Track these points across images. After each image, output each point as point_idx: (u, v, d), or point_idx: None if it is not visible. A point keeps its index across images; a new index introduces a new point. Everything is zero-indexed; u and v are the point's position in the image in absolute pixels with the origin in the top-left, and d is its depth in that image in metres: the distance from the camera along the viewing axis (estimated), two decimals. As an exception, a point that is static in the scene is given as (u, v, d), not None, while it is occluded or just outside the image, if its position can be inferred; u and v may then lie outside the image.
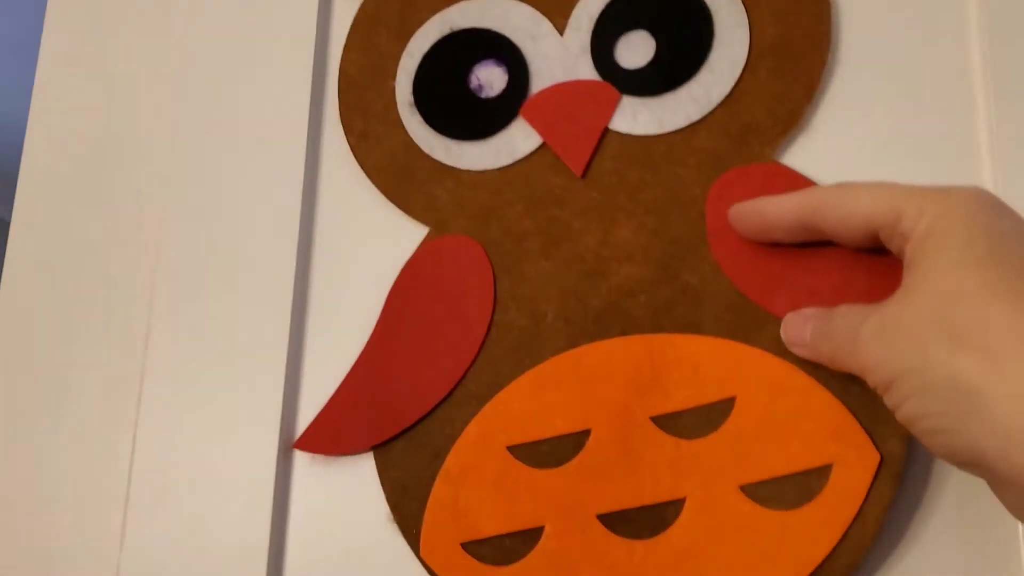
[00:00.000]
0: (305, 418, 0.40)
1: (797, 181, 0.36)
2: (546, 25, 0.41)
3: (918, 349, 0.27)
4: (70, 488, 0.41)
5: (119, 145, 0.46)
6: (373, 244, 0.41)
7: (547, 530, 0.36)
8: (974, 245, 0.27)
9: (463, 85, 0.41)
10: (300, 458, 0.40)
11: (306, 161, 0.42)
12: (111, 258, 0.44)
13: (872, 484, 0.33)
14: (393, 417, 0.38)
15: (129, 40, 0.47)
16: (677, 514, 0.35)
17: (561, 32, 0.41)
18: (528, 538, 0.36)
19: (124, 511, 0.40)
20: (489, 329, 0.38)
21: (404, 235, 0.41)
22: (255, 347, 0.40)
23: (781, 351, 0.35)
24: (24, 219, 0.46)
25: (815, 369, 0.34)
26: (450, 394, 0.38)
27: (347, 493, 0.39)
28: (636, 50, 0.40)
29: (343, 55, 0.43)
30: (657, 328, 0.37)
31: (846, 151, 0.37)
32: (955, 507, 0.34)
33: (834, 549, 0.33)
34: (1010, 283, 0.26)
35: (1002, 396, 0.25)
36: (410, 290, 0.40)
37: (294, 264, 0.41)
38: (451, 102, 0.41)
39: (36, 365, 0.43)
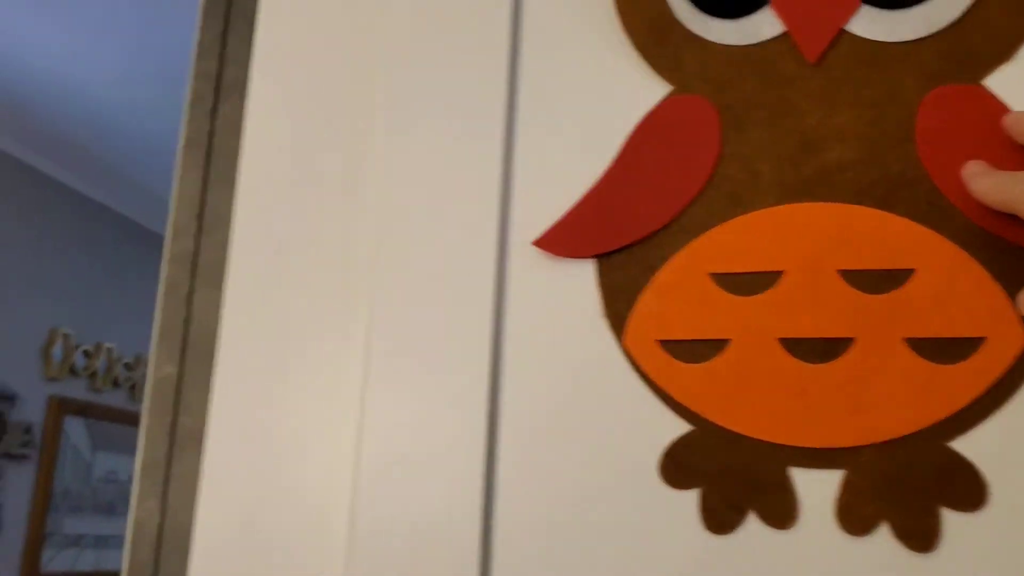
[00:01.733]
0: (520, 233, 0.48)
1: (995, 106, 0.43)
2: (806, -69, 0.47)
3: None
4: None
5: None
6: (615, 92, 0.49)
7: (732, 342, 0.44)
8: None
9: (724, -30, 0.48)
10: (522, 258, 0.48)
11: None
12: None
13: (1013, 362, 0.40)
14: (618, 234, 0.46)
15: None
16: (846, 350, 0.42)
17: (818, -61, 0.47)
18: (715, 346, 0.44)
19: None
20: (711, 178, 0.46)
21: (649, 88, 0.48)
22: (475, 176, 0.48)
23: (963, 243, 0.42)
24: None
25: (987, 262, 0.41)
26: (668, 224, 0.46)
27: (564, 291, 0.47)
28: (882, -33, 0.46)
29: (622, -75, 0.50)
30: (857, 201, 0.44)
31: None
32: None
33: (970, 404, 0.41)
34: None
35: None
36: (650, 134, 0.47)
37: (505, 107, 0.48)
38: (711, -18, 0.48)
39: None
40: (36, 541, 2.47)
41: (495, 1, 0.51)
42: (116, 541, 2.85)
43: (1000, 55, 0.44)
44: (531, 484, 0.45)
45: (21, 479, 2.45)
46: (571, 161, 0.48)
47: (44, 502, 2.51)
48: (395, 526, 0.45)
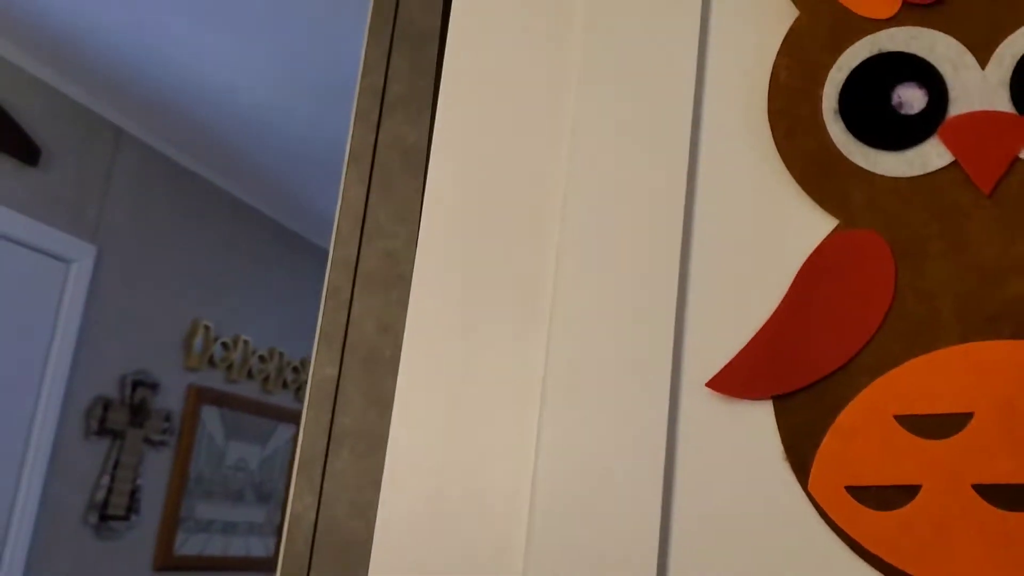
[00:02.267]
0: (692, 366, 0.48)
1: None
2: (969, 58, 0.47)
3: None
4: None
5: (526, 145, 0.55)
6: (775, 230, 0.49)
7: (924, 488, 0.43)
8: None
9: (886, 101, 0.48)
10: (694, 399, 0.48)
11: (689, 156, 0.50)
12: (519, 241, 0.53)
13: None
14: (796, 374, 0.46)
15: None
16: (1048, 496, 0.41)
17: (983, 66, 0.46)
18: (906, 493, 0.43)
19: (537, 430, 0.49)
20: (887, 315, 0.45)
21: (813, 224, 0.48)
22: (649, 308, 0.49)
23: None
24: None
25: None
26: (847, 364, 0.45)
27: (741, 433, 0.47)
28: (1055, 91, 0.45)
29: (776, 60, 0.50)
30: (1047, 337, 0.43)
31: None
32: None
33: None
34: None
35: None
36: (819, 271, 0.47)
37: (680, 241, 0.49)
38: (873, 115, 0.48)
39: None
40: (171, 524, 2.58)
41: (674, 139, 0.51)
42: (243, 528, 2.93)
43: None
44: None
45: (159, 464, 2.57)
46: (741, 300, 0.48)
47: (180, 487, 2.62)
48: (570, 547, 0.46)
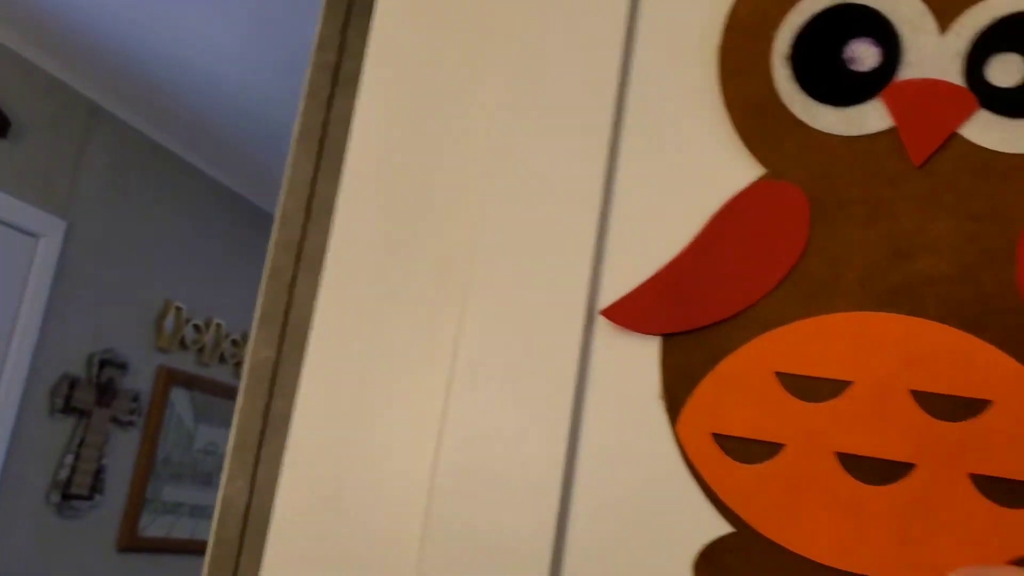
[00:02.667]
0: (606, 300, 0.47)
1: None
2: (931, 22, 0.45)
3: None
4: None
5: (449, 93, 0.53)
6: (702, 168, 0.47)
7: (787, 447, 0.42)
8: None
9: (837, 53, 0.46)
10: (600, 329, 0.47)
11: (618, 83, 0.48)
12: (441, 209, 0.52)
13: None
14: (688, 315, 0.45)
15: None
16: (905, 475, 0.40)
17: (942, 31, 0.44)
18: (769, 449, 0.43)
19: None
20: (791, 272, 0.44)
21: (740, 168, 0.46)
22: (566, 237, 0.48)
23: (1049, 376, 0.39)
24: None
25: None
26: (739, 313, 0.45)
27: (627, 364, 0.46)
28: (1007, 71, 0.43)
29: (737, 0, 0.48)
30: (942, 319, 0.42)
31: None
32: None
33: (1032, 552, 0.38)
34: None
35: None
36: (734, 217, 0.46)
37: (603, 173, 0.48)
38: (821, 65, 0.46)
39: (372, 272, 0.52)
40: (136, 506, 2.61)
41: (604, 63, 0.50)
42: (212, 511, 2.97)
43: None
44: (598, 531, 0.45)
45: (126, 445, 2.59)
46: (659, 232, 0.47)
47: (146, 469, 2.65)
48: (467, 532, 0.46)
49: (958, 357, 0.41)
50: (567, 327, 0.47)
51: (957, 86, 0.44)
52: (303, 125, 0.64)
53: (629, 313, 0.46)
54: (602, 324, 0.47)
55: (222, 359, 3.09)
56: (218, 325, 3.04)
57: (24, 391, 2.24)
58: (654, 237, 0.48)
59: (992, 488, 0.39)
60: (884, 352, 0.42)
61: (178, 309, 2.78)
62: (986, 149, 0.43)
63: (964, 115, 0.43)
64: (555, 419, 0.46)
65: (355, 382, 0.51)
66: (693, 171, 0.48)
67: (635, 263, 0.47)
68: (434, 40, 0.55)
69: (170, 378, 2.78)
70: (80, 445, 2.40)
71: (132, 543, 2.61)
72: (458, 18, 0.55)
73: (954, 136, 0.43)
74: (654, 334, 0.46)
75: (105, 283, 2.51)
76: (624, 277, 0.47)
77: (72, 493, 2.38)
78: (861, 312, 0.43)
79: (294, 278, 0.61)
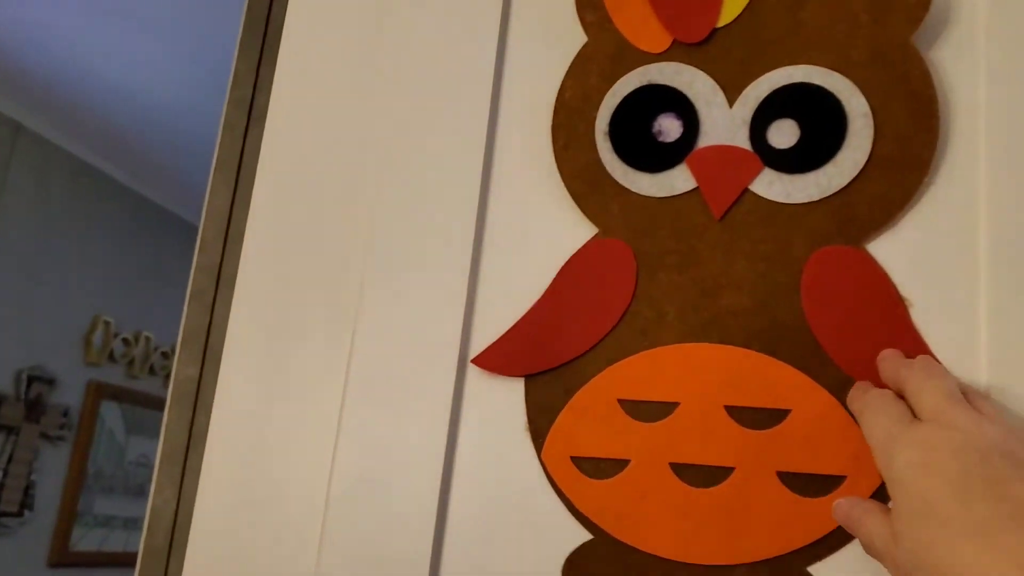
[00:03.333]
0: (476, 346, 0.55)
1: (873, 268, 0.49)
2: (721, 96, 0.54)
3: None
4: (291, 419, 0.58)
5: (341, 152, 0.61)
6: (549, 230, 0.56)
7: (632, 463, 0.51)
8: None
9: (648, 128, 0.54)
10: (472, 372, 0.55)
11: (483, 162, 0.57)
12: (331, 237, 0.60)
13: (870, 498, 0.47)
14: (544, 358, 0.53)
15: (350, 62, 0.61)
16: (726, 478, 0.49)
17: (731, 104, 0.53)
18: (617, 465, 0.51)
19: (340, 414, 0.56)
20: (625, 314, 0.53)
21: (578, 230, 0.55)
22: (442, 291, 0.56)
23: (834, 390, 0.48)
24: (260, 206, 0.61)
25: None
26: (586, 352, 0.53)
27: (500, 403, 0.54)
28: (784, 134, 0.52)
29: (563, 82, 0.57)
30: (746, 344, 0.51)
31: (920, 253, 0.50)
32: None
33: (828, 534, 0.47)
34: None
35: None
36: (576, 270, 0.54)
37: (472, 235, 0.56)
38: (636, 139, 0.55)
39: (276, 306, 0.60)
40: (67, 520, 2.60)
41: (472, 152, 0.58)
42: None
43: (880, 222, 0.50)
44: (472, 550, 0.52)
45: (56, 460, 2.58)
46: (517, 293, 0.55)
47: (77, 483, 2.64)
48: (358, 536, 0.53)
49: (761, 376, 0.50)
50: (443, 370, 0.55)
51: (745, 150, 0.53)
52: (219, 157, 0.70)
53: (495, 359, 0.54)
54: (473, 368, 0.55)
55: (152, 371, 3.07)
56: (147, 338, 3.03)
57: (-51, 409, 2.22)
58: (515, 291, 0.56)
59: (794, 482, 0.48)
60: (703, 376, 0.51)
61: (106, 323, 2.77)
62: (772, 201, 0.52)
63: (752, 174, 0.52)
64: (433, 451, 0.53)
65: (263, 398, 0.58)
66: (541, 233, 0.56)
67: (500, 314, 0.55)
68: (330, 81, 0.62)
69: (100, 392, 2.76)
70: (9, 461, 2.38)
71: (63, 558, 2.59)
72: (353, 61, 0.62)
73: (746, 192, 0.52)
74: (518, 376, 0.54)
75: (33, 299, 2.49)
76: (492, 326, 0.55)
77: (1, 510, 2.35)
78: (682, 344, 0.52)
79: (214, 300, 0.66)
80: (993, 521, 0.36)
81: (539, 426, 0.53)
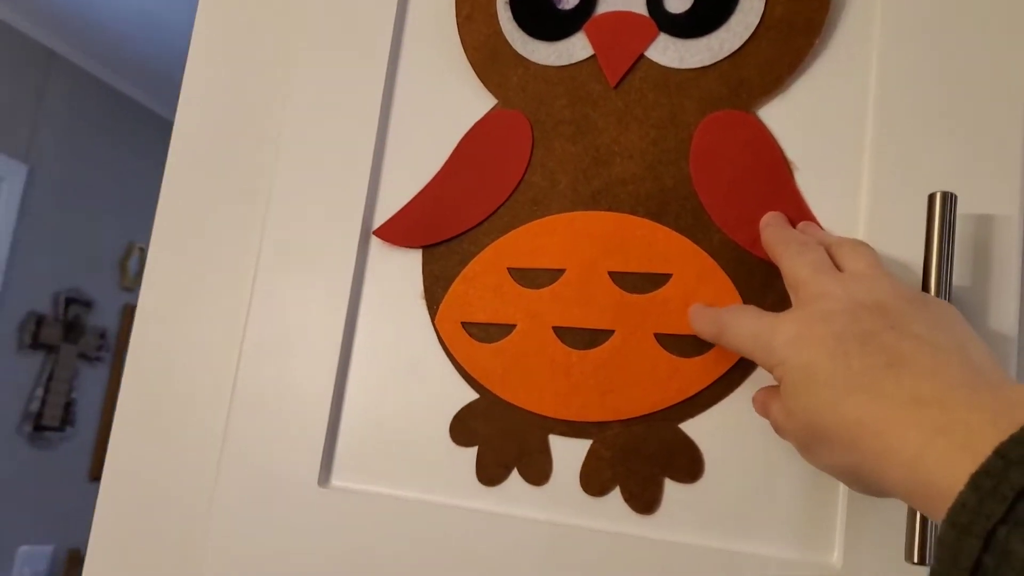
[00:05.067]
0: (380, 217, 0.56)
1: (760, 133, 0.49)
2: (621, -37, 0.53)
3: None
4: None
5: (263, 26, 0.61)
6: (452, 103, 0.56)
7: (518, 327, 0.52)
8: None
9: (548, -4, 0.54)
10: (375, 242, 0.56)
11: (393, 35, 0.57)
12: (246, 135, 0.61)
13: (736, 361, 0.47)
14: (441, 229, 0.54)
15: None
16: (606, 340, 0.50)
17: (631, -29, 0.53)
18: (504, 330, 0.52)
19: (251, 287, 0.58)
20: (519, 184, 0.53)
21: (479, 102, 0.55)
22: (349, 166, 0.57)
23: (716, 254, 0.48)
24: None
25: (733, 273, 0.48)
26: (480, 223, 0.54)
27: (399, 272, 0.55)
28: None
29: (469, -49, 0.56)
30: (633, 211, 0.51)
31: (809, 118, 0.49)
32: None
33: (699, 393, 0.48)
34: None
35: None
36: (475, 142, 0.55)
37: (379, 110, 0.56)
38: (535, 7, 0.54)
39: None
40: (106, 438, 2.71)
41: (382, 23, 0.58)
42: None
43: (770, 86, 0.49)
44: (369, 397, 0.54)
45: (96, 380, 2.69)
46: (419, 165, 0.56)
47: (114, 400, 2.76)
48: (268, 388, 0.56)
49: (645, 241, 0.50)
50: (347, 240, 0.56)
51: (641, 15, 0.52)
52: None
53: (395, 231, 0.55)
54: (375, 239, 0.56)
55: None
56: None
57: (-7, 328, 2.34)
58: (417, 163, 0.56)
59: (671, 344, 0.49)
60: (588, 243, 0.51)
61: (141, 250, 2.83)
62: (666, 67, 0.51)
63: (648, 40, 0.52)
64: (335, 315, 0.55)
65: (185, 269, 0.62)
66: (443, 105, 0.57)
67: (404, 187, 0.56)
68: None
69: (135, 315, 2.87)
70: (49, 379, 2.49)
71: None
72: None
73: (641, 58, 0.52)
74: (416, 247, 0.55)
75: (69, 225, 2.57)
76: (395, 199, 0.56)
77: (44, 425, 2.47)
78: (571, 213, 0.52)
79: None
80: (871, 372, 0.36)
81: (434, 294, 0.54)
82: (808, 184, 0.48)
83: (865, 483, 0.38)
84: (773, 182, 0.49)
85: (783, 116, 0.50)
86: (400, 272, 0.55)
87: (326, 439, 0.54)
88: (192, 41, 0.64)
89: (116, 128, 2.73)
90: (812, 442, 0.39)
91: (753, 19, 0.50)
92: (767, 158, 0.49)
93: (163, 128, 2.94)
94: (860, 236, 0.47)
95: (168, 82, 2.73)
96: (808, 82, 0.49)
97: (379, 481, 0.53)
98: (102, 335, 2.67)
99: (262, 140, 0.61)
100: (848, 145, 0.48)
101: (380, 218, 0.56)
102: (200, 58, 0.65)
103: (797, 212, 0.48)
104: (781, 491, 0.46)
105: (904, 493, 0.34)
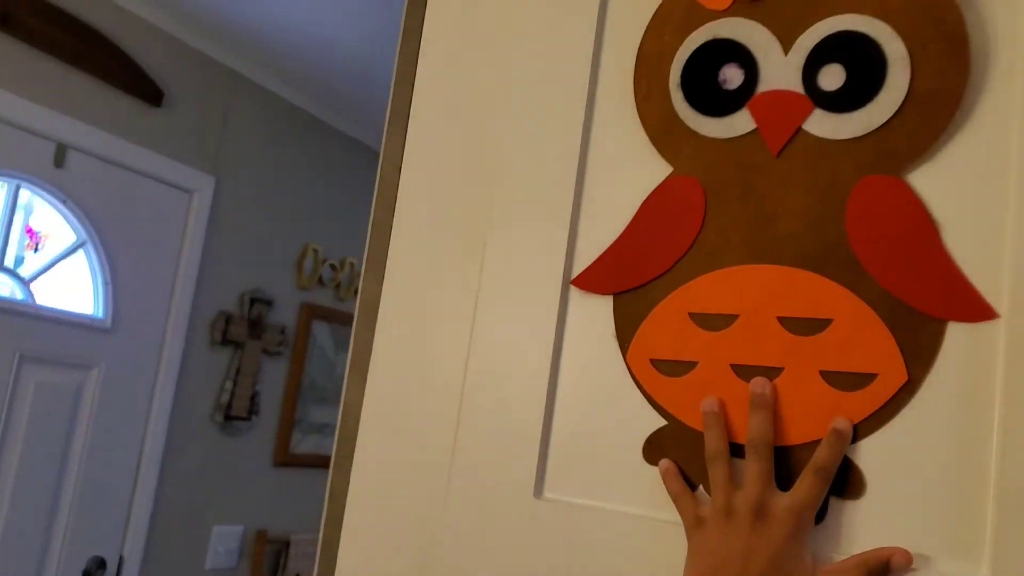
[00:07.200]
0: (577, 269, 0.67)
1: (908, 195, 0.56)
2: (777, 46, 0.61)
3: None
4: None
5: (471, 114, 0.72)
6: (634, 171, 0.66)
7: (699, 364, 0.62)
8: None
9: (714, 77, 0.63)
10: (573, 291, 0.67)
11: (585, 111, 0.67)
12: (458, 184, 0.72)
13: (894, 394, 0.55)
14: (630, 278, 0.65)
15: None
16: (777, 376, 0.59)
17: (785, 53, 0.61)
18: (687, 366, 0.62)
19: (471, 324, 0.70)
20: (695, 240, 0.63)
21: (657, 169, 0.65)
22: (550, 226, 0.67)
23: (870, 301, 0.57)
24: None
25: (887, 318, 0.56)
26: (663, 274, 0.63)
27: (594, 315, 0.66)
28: (832, 77, 0.59)
29: (643, 38, 0.66)
30: (796, 264, 0.59)
31: (955, 184, 0.56)
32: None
33: (861, 422, 0.56)
34: None
35: None
36: (655, 204, 0.64)
37: (575, 180, 0.67)
38: (704, 88, 0.63)
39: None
40: (287, 426, 2.95)
41: (575, 109, 0.69)
42: None
43: (916, 153, 0.57)
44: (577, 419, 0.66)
45: (276, 372, 2.93)
46: (609, 225, 0.67)
47: (294, 393, 2.98)
48: (487, 412, 0.68)
49: (808, 290, 0.59)
50: (550, 290, 0.67)
51: (798, 93, 0.60)
52: (392, 108, 0.83)
53: (590, 280, 0.66)
54: (574, 288, 0.67)
55: (357, 294, 3.34)
56: (351, 263, 3.33)
57: (188, 327, 2.60)
58: (606, 224, 0.67)
59: (835, 379, 0.57)
60: (758, 291, 0.60)
61: (315, 251, 3.07)
62: (822, 138, 0.60)
63: (805, 114, 0.60)
64: (543, 353, 0.67)
65: (416, 312, 0.74)
66: (626, 174, 0.67)
67: (595, 243, 0.67)
68: (471, 45, 0.75)
69: (311, 313, 3.08)
70: (237, 373, 2.75)
71: (285, 459, 2.97)
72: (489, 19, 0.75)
73: (799, 131, 0.60)
74: (607, 294, 0.66)
75: (251, 230, 2.83)
76: (589, 253, 0.67)
77: (233, 415, 2.73)
78: (743, 265, 0.61)
79: (390, 228, 0.80)
80: None
81: (624, 334, 0.65)
82: (953, 241, 0.56)
83: None
84: (921, 239, 0.56)
85: (929, 179, 0.57)
86: (595, 315, 0.66)
87: (539, 457, 0.65)
88: (410, 119, 0.76)
89: (292, 139, 2.95)
90: None
91: (899, 95, 0.57)
92: (915, 218, 0.57)
93: (332, 136, 3.15)
94: (1004, 289, 0.54)
95: (333, 92, 2.92)
96: (952, 148, 0.57)
97: (583, 494, 0.65)
98: (282, 331, 2.91)
99: (476, 206, 0.72)
100: (992, 204, 0.55)
101: (577, 269, 0.67)
102: (419, 136, 0.77)
103: (944, 267, 0.55)
104: (932, 507, 0.54)
105: None
